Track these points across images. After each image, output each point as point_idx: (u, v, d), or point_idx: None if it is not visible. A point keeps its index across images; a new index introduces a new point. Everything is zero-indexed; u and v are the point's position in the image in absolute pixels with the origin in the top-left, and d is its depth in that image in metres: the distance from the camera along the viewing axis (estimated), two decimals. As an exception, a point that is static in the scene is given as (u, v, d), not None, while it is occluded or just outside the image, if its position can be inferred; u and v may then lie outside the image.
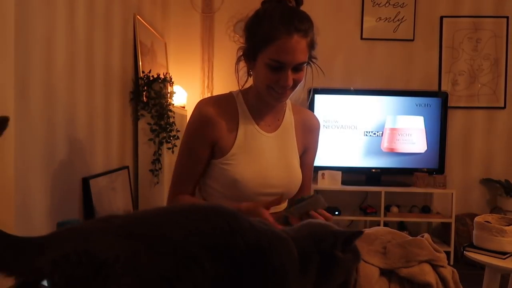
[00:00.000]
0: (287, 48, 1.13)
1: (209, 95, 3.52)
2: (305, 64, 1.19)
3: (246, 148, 1.24)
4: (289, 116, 1.33)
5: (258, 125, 1.27)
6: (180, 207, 0.78)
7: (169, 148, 2.48)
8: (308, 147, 1.37)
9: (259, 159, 1.25)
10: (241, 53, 1.24)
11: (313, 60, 1.26)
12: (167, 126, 2.44)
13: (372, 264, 1.00)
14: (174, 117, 2.51)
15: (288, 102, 1.34)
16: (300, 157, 1.34)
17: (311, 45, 1.20)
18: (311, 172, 1.42)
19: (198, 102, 1.27)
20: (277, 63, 1.14)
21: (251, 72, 1.25)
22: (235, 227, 0.68)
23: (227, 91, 1.32)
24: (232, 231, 0.67)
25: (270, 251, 0.68)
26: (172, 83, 2.62)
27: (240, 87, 1.27)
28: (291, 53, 1.13)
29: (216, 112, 1.23)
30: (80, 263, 0.55)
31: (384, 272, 1.01)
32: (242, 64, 1.26)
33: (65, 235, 0.62)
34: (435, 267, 1.01)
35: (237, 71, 1.25)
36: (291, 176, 1.28)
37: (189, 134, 1.26)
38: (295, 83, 1.19)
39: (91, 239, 0.60)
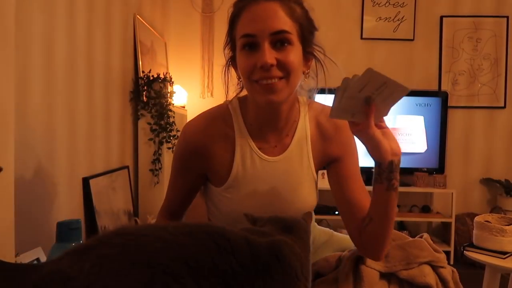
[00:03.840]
0: (254, 15, 0.91)
1: (209, 95, 3.51)
2: (288, 35, 0.91)
3: (245, 180, 1.02)
4: (302, 128, 1.06)
5: (260, 148, 1.03)
6: (166, 223, 0.71)
7: (169, 148, 2.48)
8: (336, 155, 1.06)
9: (259, 192, 1.03)
10: (227, 61, 1.04)
11: (315, 47, 1.01)
12: (167, 125, 2.44)
13: (373, 268, 1.00)
14: (174, 117, 2.51)
15: (304, 107, 1.09)
16: (329, 171, 1.08)
17: (295, 15, 0.94)
18: (358, 181, 1.05)
19: (185, 126, 1.06)
20: (247, 37, 0.90)
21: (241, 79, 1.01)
22: (224, 245, 0.62)
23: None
24: (219, 250, 0.61)
25: (278, 261, 0.65)
26: (172, 82, 2.62)
27: (227, 98, 1.07)
28: (260, 19, 0.90)
29: (206, 139, 1.02)
30: (52, 282, 0.55)
31: (383, 274, 1.01)
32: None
33: (48, 261, 0.63)
34: (435, 268, 1.01)
35: (226, 82, 1.05)
36: (298, 207, 1.04)
37: (176, 160, 1.08)
38: (284, 66, 0.91)
39: (63, 257, 0.60)
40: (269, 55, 0.89)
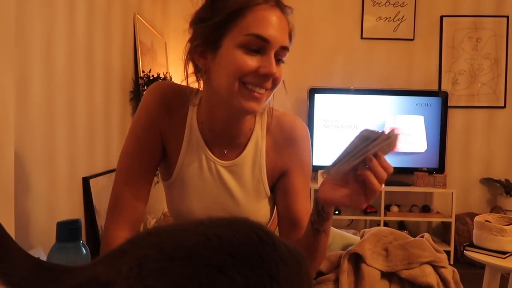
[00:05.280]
0: (270, 19, 0.83)
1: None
2: (287, 54, 0.89)
3: (188, 179, 0.96)
4: (257, 138, 0.98)
5: (210, 149, 0.96)
6: (195, 220, 0.67)
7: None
8: (285, 169, 0.99)
9: (202, 195, 0.96)
10: (193, 45, 0.90)
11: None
12: (167, 125, 2.44)
13: (374, 268, 1.00)
14: (174, 117, 2.50)
15: (262, 115, 1.00)
16: (277, 184, 1.01)
17: (290, 36, 0.90)
18: (304, 200, 0.98)
19: (156, 82, 0.99)
20: (258, 39, 0.82)
21: (204, 72, 0.90)
22: (266, 238, 0.60)
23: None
24: (261, 242, 0.59)
25: (304, 262, 0.64)
26: (172, 82, 2.62)
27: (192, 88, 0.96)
28: (276, 27, 0.84)
29: (175, 101, 0.95)
30: None
31: (384, 274, 1.01)
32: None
33: (80, 266, 0.61)
34: (436, 268, 1.01)
35: (186, 71, 0.93)
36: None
37: (141, 115, 0.96)
38: (275, 81, 0.87)
39: (97, 263, 0.58)
40: (275, 66, 0.85)
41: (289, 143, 0.98)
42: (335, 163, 0.79)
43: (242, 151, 0.97)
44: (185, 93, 0.96)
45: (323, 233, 0.88)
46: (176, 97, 0.96)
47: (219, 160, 0.96)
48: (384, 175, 0.76)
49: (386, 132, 0.74)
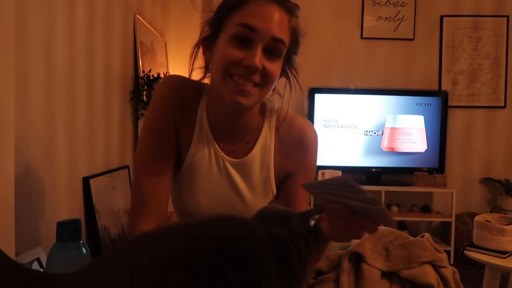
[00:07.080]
0: (264, 11, 0.83)
1: (209, 94, 3.50)
2: (282, 47, 0.87)
3: (197, 172, 0.96)
4: (266, 138, 0.98)
5: (219, 145, 0.96)
6: (184, 222, 0.64)
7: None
8: (291, 171, 0.99)
9: (211, 193, 0.96)
10: (201, 40, 0.94)
11: (293, 71, 0.95)
12: (167, 125, 2.43)
13: (375, 267, 1.00)
14: (174, 117, 2.50)
15: (271, 115, 1.00)
16: (280, 184, 1.01)
17: (294, 33, 0.89)
18: (303, 206, 0.98)
19: (167, 76, 1.01)
20: (245, 28, 0.83)
21: (209, 64, 0.94)
22: (254, 234, 0.59)
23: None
24: (252, 239, 0.58)
25: (292, 251, 0.63)
26: (172, 82, 2.61)
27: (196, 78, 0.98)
28: (268, 19, 0.83)
29: (187, 95, 0.96)
30: None
31: (385, 273, 1.01)
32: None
33: (67, 274, 0.57)
34: (436, 267, 1.01)
35: (191, 63, 0.96)
36: None
37: (156, 112, 0.95)
38: (265, 76, 0.86)
39: (86, 272, 0.54)
40: (258, 59, 0.83)
41: (299, 147, 0.99)
42: (313, 185, 0.75)
43: (251, 150, 0.97)
44: (197, 86, 0.97)
45: (317, 251, 0.86)
46: (189, 89, 0.97)
47: (227, 157, 0.96)
48: (359, 235, 0.72)
49: (369, 195, 0.69)
